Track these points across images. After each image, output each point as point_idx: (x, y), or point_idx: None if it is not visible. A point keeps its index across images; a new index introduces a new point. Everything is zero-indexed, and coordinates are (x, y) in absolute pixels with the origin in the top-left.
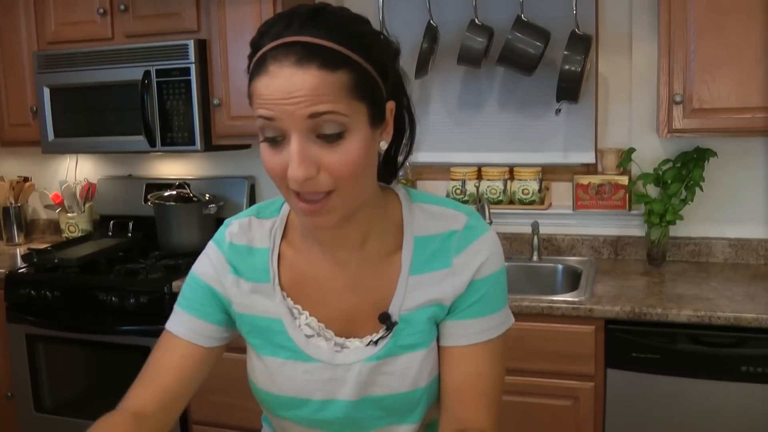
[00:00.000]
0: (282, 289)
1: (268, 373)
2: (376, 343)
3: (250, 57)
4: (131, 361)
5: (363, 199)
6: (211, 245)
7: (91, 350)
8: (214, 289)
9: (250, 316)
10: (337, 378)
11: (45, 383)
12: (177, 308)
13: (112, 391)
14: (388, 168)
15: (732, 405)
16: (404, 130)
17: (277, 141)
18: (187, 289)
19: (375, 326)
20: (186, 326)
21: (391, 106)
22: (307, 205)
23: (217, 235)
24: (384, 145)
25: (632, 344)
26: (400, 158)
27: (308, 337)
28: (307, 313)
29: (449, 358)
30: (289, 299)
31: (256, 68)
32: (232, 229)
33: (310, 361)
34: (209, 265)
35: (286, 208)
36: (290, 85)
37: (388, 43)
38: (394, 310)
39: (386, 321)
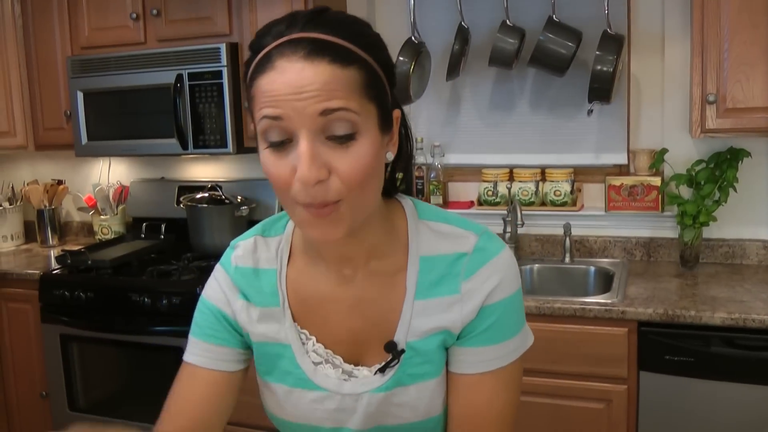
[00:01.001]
0: (291, 312)
1: (276, 400)
2: (383, 371)
3: (249, 60)
4: (163, 362)
5: (369, 211)
6: (218, 269)
7: (124, 350)
8: (224, 313)
9: (260, 344)
10: (346, 408)
11: (79, 382)
12: (192, 338)
13: (144, 390)
14: (388, 184)
15: (767, 409)
16: (403, 146)
17: (283, 145)
18: (199, 316)
19: (382, 351)
20: (204, 355)
21: (397, 114)
22: (315, 210)
23: (223, 258)
24: (390, 157)
25: (665, 347)
26: (399, 174)
27: (316, 364)
28: (314, 338)
29: (456, 385)
30: (296, 324)
31: (260, 66)
32: (237, 252)
33: (318, 390)
34: (218, 290)
35: (290, 225)
36: (300, 79)
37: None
38: (400, 337)
39: (392, 350)
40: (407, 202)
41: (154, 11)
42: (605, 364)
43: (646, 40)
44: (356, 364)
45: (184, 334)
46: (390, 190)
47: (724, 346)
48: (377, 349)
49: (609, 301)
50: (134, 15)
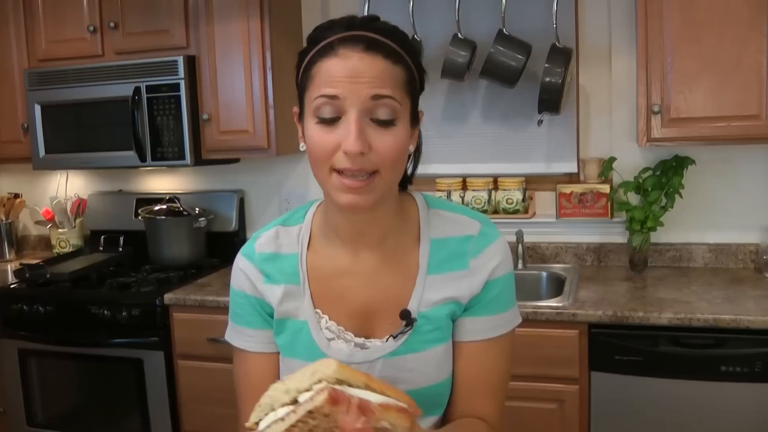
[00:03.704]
0: (310, 291)
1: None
2: (396, 337)
3: (307, 49)
4: (124, 374)
5: (392, 190)
6: (240, 258)
7: (83, 364)
8: (254, 297)
9: (282, 320)
10: None
11: (37, 397)
12: (234, 324)
13: (104, 403)
14: (403, 177)
15: (713, 404)
16: (419, 144)
17: (332, 122)
18: (234, 305)
19: (393, 323)
20: (254, 340)
21: (421, 114)
22: (352, 182)
23: (245, 248)
24: (411, 149)
25: (615, 347)
26: (409, 170)
27: (329, 340)
28: (326, 317)
29: (464, 352)
30: (313, 302)
31: (323, 52)
32: (260, 240)
33: None
34: (244, 278)
35: (310, 214)
36: (360, 65)
37: None
38: (413, 307)
39: (407, 317)
40: (417, 194)
41: (112, 24)
42: (557, 365)
43: (594, 53)
44: (367, 338)
45: (145, 346)
46: (404, 183)
47: (671, 344)
48: (388, 321)
49: (560, 305)
50: (92, 27)
